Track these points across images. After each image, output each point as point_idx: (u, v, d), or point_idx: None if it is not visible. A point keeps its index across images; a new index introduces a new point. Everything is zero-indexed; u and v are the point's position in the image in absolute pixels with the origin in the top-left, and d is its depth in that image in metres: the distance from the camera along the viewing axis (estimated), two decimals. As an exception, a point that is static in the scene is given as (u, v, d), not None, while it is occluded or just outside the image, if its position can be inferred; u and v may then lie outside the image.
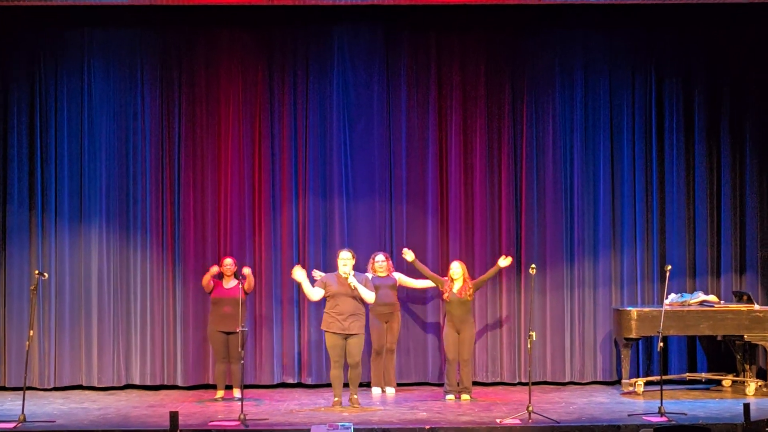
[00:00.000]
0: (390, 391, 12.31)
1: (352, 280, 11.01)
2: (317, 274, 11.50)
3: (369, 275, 11.68)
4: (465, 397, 11.76)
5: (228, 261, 11.97)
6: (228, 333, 11.67)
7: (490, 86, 13.12)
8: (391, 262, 12.35)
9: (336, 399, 11.17)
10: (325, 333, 11.22)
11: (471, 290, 11.71)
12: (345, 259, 11.08)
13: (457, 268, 11.79)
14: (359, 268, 11.84)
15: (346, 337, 11.05)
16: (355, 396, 11.26)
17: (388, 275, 12.31)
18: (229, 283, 11.79)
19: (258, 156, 13.02)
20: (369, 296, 11.14)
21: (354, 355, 11.07)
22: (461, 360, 11.73)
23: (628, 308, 12.22)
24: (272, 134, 13.04)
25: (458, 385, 11.85)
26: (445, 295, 11.80)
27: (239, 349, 11.01)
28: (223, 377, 11.86)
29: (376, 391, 12.25)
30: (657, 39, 13.13)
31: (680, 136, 13.19)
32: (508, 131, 13.11)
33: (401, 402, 11.74)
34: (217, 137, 13.02)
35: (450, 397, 11.82)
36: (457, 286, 11.78)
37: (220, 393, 11.89)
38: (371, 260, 12.29)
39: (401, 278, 12.39)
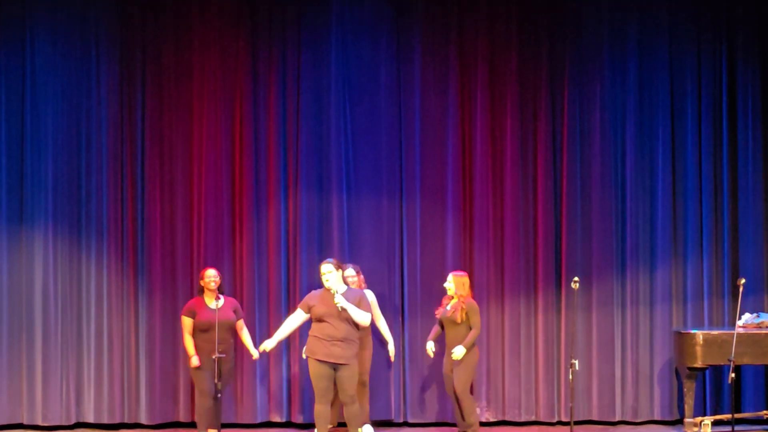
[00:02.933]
0: (368, 429, 12.33)
1: (340, 300, 10.85)
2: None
3: (368, 291, 11.70)
4: None
5: (212, 273, 11.72)
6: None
7: (524, 59, 13.16)
8: (362, 277, 12.32)
9: None
10: (308, 360, 11.02)
11: (464, 312, 11.59)
12: (326, 273, 10.98)
13: (448, 282, 11.77)
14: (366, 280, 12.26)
15: (335, 367, 10.88)
16: None
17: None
18: (213, 302, 11.60)
19: (239, 143, 13.04)
20: (363, 318, 10.97)
21: (347, 389, 10.91)
22: (456, 392, 11.64)
23: (693, 331, 12.21)
24: (256, 117, 13.06)
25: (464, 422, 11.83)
26: (437, 312, 11.83)
27: (215, 381, 10.99)
28: (207, 415, 11.62)
29: (368, 429, 12.27)
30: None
31: (757, 122, 13.20)
32: (545, 114, 13.13)
33: None
34: (188, 120, 13.02)
35: None
36: (451, 303, 11.74)
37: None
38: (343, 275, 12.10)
39: (374, 304, 12.28)
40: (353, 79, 13.05)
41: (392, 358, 12.30)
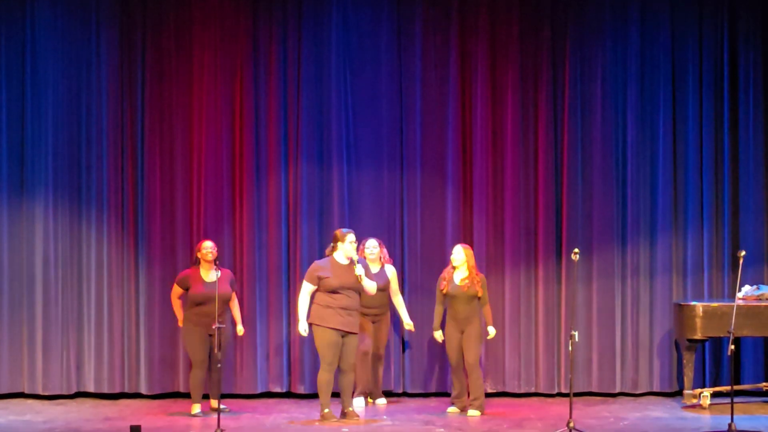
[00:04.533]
0: (381, 402, 12.51)
1: (361, 271, 11.21)
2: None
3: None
4: (472, 413, 11.74)
5: (209, 244, 11.91)
6: (212, 335, 11.66)
7: (525, 27, 13.20)
8: (384, 250, 12.48)
9: (326, 411, 11.22)
10: (316, 328, 11.20)
11: (479, 285, 11.71)
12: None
13: (458, 254, 11.83)
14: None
15: (344, 335, 11.19)
16: (351, 408, 11.37)
17: (381, 268, 12.40)
18: (210, 274, 11.77)
19: (239, 114, 13.10)
20: (371, 287, 11.37)
21: (350, 357, 11.25)
22: (466, 364, 11.76)
23: (692, 303, 12.28)
24: (256, 87, 13.13)
25: (468, 396, 11.91)
26: (443, 286, 11.83)
27: (216, 351, 11.01)
28: (201, 387, 11.85)
29: (359, 402, 12.31)
30: (730, -33, 13.34)
31: (758, 93, 13.27)
32: (546, 84, 13.20)
33: (414, 416, 11.85)
34: (188, 91, 13.11)
35: (451, 409, 11.98)
36: (459, 275, 11.80)
37: (196, 407, 11.81)
38: (360, 247, 12.29)
39: (394, 278, 12.49)
40: (354, 51, 13.10)
41: (412, 329, 12.42)
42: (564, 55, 13.18)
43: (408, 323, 12.41)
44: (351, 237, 11.25)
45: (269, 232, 13.05)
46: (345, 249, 11.20)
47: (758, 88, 13.23)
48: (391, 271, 12.46)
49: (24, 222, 12.96)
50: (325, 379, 11.14)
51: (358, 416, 11.33)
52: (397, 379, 13.07)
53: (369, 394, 12.45)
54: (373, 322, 12.32)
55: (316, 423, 11.16)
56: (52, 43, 12.95)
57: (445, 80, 13.16)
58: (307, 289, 11.25)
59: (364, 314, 12.01)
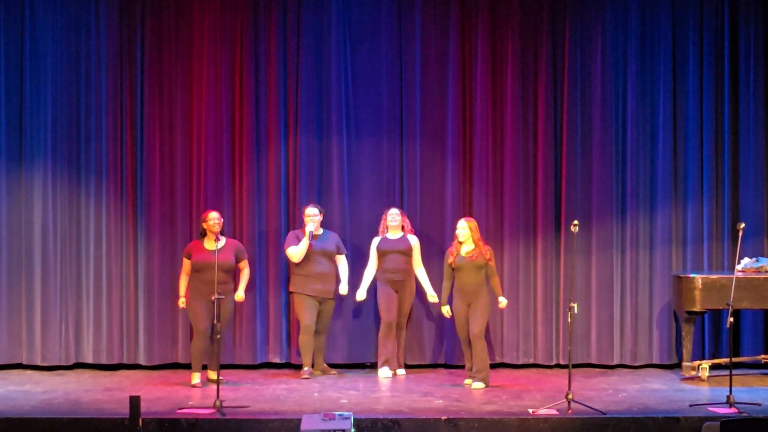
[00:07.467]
0: (400, 372, 12.63)
1: (310, 228, 12.16)
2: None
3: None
4: (476, 385, 11.79)
5: (214, 215, 11.96)
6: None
7: (525, 1, 13.19)
8: (407, 220, 12.62)
9: (306, 368, 12.34)
10: (294, 295, 12.38)
11: (488, 254, 11.75)
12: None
13: (462, 228, 11.81)
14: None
15: (321, 301, 12.38)
16: (326, 364, 12.60)
17: (402, 234, 12.51)
18: (213, 244, 11.79)
19: (239, 84, 13.11)
20: (296, 254, 12.26)
21: (326, 320, 12.52)
22: (471, 335, 11.78)
23: (692, 275, 12.30)
24: (256, 58, 13.13)
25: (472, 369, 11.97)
26: (451, 260, 11.80)
27: (215, 322, 10.98)
28: (202, 356, 11.92)
29: (385, 372, 12.46)
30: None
31: (759, 65, 13.25)
32: (545, 56, 13.19)
33: (412, 387, 11.92)
34: (188, 61, 13.10)
35: (468, 381, 12.00)
36: (465, 249, 11.80)
37: (196, 376, 11.87)
38: (383, 215, 12.61)
39: (417, 249, 12.60)
40: (354, 21, 13.06)
41: (436, 301, 12.41)
42: (564, 29, 13.15)
43: (431, 295, 12.53)
44: (307, 210, 12.37)
45: (269, 203, 13.09)
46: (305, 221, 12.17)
47: (759, 60, 13.19)
48: (414, 241, 12.55)
49: (22, 192, 12.97)
50: (303, 340, 12.33)
51: (334, 372, 12.51)
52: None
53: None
54: (396, 291, 12.44)
55: (316, 394, 11.32)
56: (51, 10, 12.91)
57: (445, 51, 13.15)
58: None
59: (386, 280, 12.42)
